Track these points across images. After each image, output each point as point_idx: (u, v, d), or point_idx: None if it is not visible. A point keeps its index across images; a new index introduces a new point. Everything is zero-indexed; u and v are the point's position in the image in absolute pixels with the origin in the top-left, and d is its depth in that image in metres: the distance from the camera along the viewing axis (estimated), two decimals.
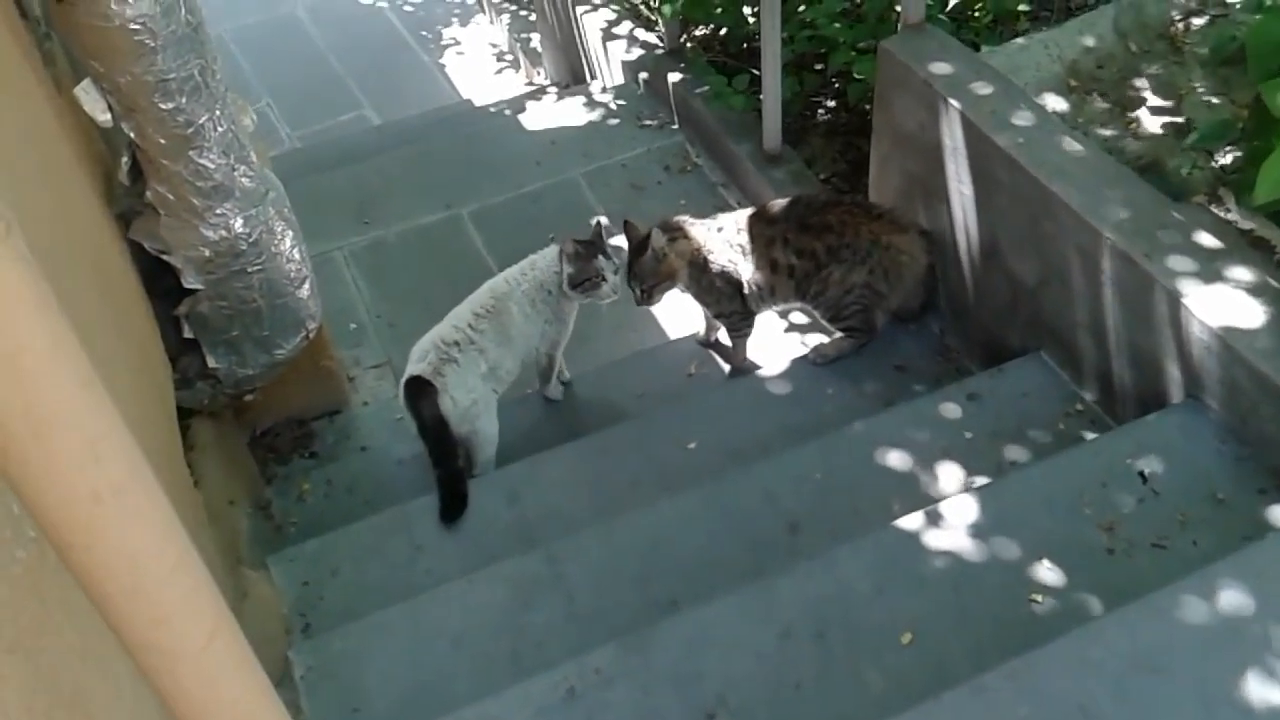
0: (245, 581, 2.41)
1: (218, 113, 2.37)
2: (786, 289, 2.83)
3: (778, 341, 3.18)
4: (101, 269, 2.23)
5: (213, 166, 2.41)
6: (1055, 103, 2.81)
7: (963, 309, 2.83)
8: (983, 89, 2.57)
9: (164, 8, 2.16)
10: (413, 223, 3.97)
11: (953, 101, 2.56)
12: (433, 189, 4.10)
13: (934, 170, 2.71)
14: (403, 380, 2.71)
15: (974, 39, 3.48)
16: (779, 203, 2.86)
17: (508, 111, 4.77)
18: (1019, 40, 3.00)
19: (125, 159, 2.55)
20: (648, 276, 2.81)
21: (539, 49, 5.70)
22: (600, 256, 2.76)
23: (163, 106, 2.28)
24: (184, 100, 2.29)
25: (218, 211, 2.48)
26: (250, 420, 3.16)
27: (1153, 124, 2.75)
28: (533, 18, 5.86)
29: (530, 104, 4.75)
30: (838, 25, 3.61)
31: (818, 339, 3.07)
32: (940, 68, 2.63)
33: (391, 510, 2.62)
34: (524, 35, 5.88)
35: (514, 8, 6.15)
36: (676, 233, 2.85)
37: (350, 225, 3.98)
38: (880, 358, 2.87)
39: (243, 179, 2.49)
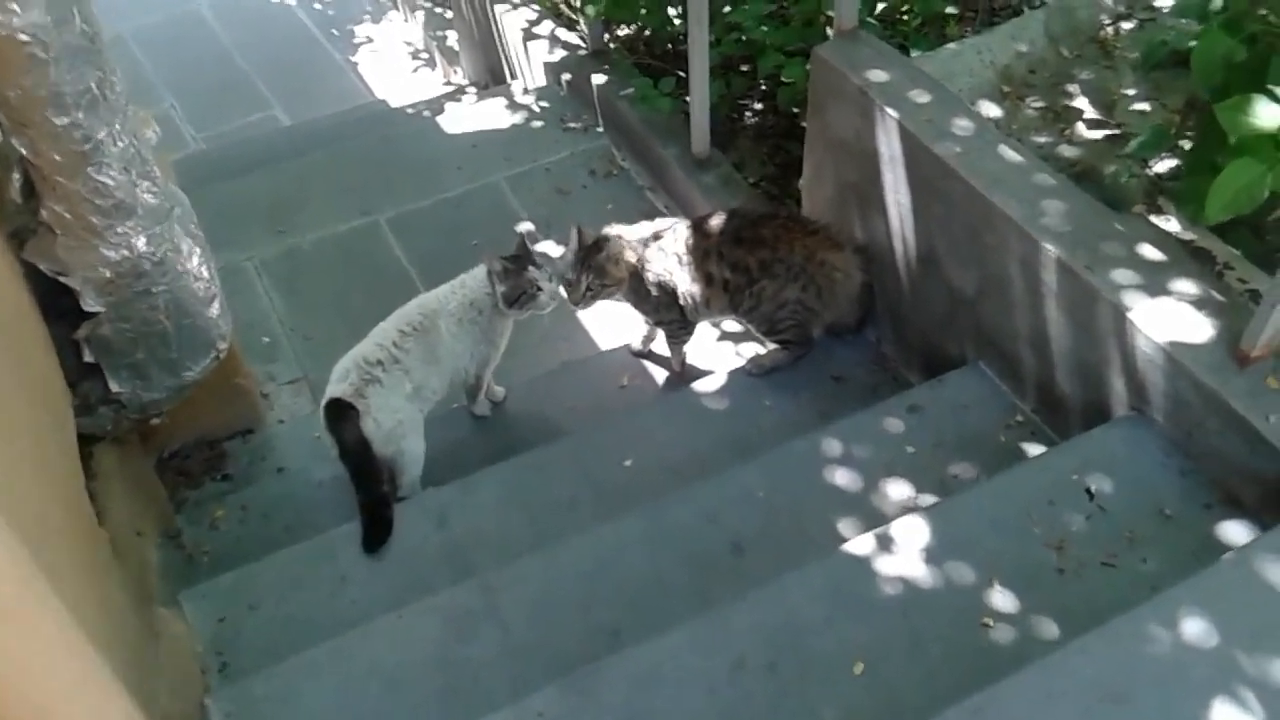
0: (156, 620, 2.27)
1: (117, 127, 2.22)
2: (720, 302, 2.76)
3: (712, 351, 3.11)
4: None
5: (113, 184, 2.25)
6: (989, 109, 2.78)
7: (900, 318, 2.79)
8: (919, 97, 2.53)
9: (56, 18, 2.01)
10: (328, 230, 3.82)
11: (889, 110, 2.51)
12: (349, 194, 3.95)
13: (870, 179, 2.66)
14: (323, 402, 2.57)
15: (902, 42, 3.45)
16: (719, 215, 2.78)
17: (426, 113, 4.63)
18: (951, 46, 2.97)
19: (17, 175, 2.38)
20: (598, 276, 2.73)
21: (456, 47, 5.56)
22: (530, 267, 2.66)
23: (57, 122, 2.12)
24: (80, 115, 2.13)
25: (119, 230, 2.32)
26: (158, 443, 3.00)
27: (1086, 130, 2.73)
28: (449, 15, 5.71)
29: (449, 105, 4.62)
30: (764, 28, 3.55)
31: (753, 349, 3.01)
32: (876, 75, 2.58)
33: (313, 539, 2.49)
34: (440, 33, 5.73)
35: (429, 5, 5.99)
36: (621, 240, 2.78)
37: (262, 234, 3.81)
38: (817, 368, 2.82)
39: (145, 195, 2.34)
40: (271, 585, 2.38)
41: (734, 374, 2.82)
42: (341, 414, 2.50)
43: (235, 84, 5.89)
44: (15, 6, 1.95)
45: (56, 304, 2.46)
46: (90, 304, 2.40)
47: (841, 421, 2.47)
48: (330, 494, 2.76)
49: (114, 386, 2.55)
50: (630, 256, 2.79)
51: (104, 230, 2.31)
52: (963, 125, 2.48)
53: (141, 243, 2.37)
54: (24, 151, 2.18)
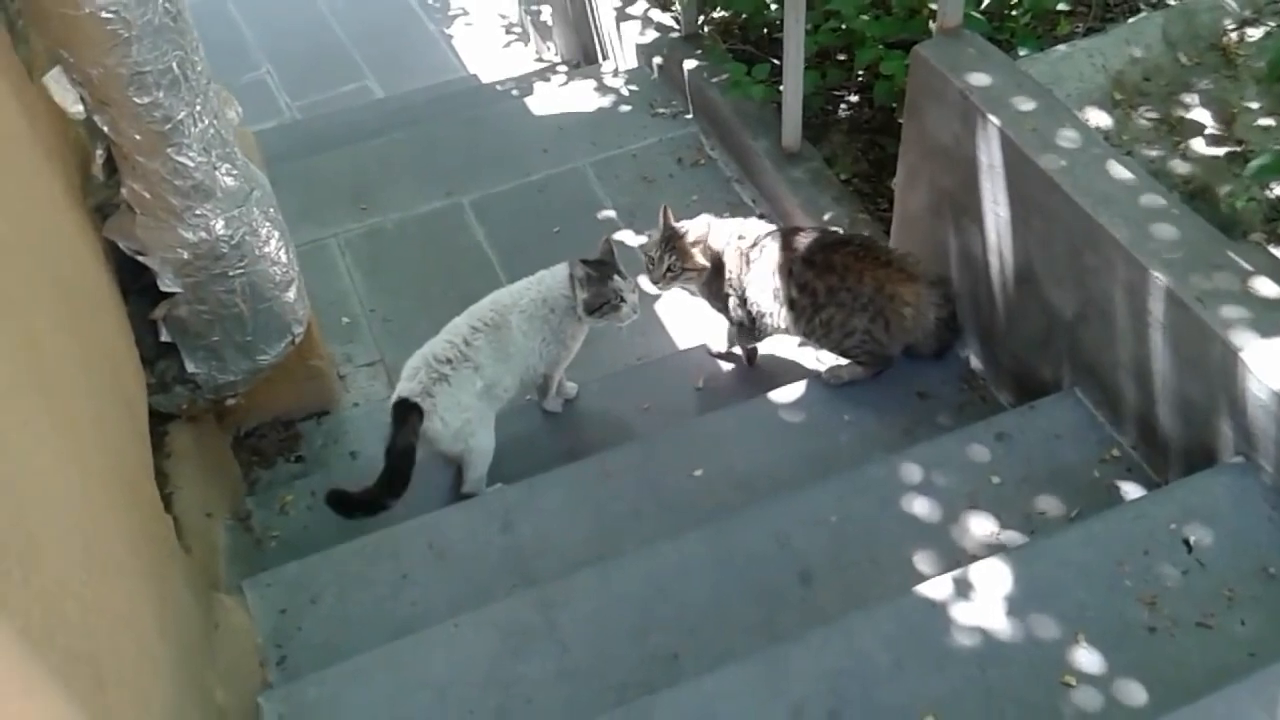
0: (218, 609, 2.26)
1: (198, 108, 2.20)
2: (785, 319, 2.68)
3: (793, 352, 3.01)
4: (63, 275, 2.05)
5: (192, 165, 2.24)
6: (1099, 118, 2.62)
7: (992, 336, 2.65)
8: (1024, 104, 2.38)
9: None
10: (412, 211, 3.79)
11: (991, 117, 2.37)
12: (434, 175, 3.91)
13: (967, 187, 2.53)
14: (391, 400, 2.55)
15: (1009, 39, 3.28)
16: (809, 231, 2.70)
17: (515, 92, 4.57)
18: (1061, 48, 2.80)
19: (100, 152, 2.38)
20: (680, 259, 2.71)
21: (549, 23, 5.49)
22: (616, 276, 2.60)
23: (138, 101, 2.11)
24: (161, 94, 2.12)
25: (197, 212, 2.31)
26: (233, 421, 3.00)
27: (1202, 145, 2.56)
28: None
29: (538, 85, 4.55)
30: (865, 18, 3.41)
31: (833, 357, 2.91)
32: (979, 79, 2.44)
33: (377, 534, 2.46)
34: (534, 8, 5.65)
35: None
36: (710, 230, 2.76)
37: (346, 211, 3.80)
38: (901, 383, 2.70)
39: (225, 178, 2.32)
40: (333, 579, 2.36)
41: (812, 383, 2.72)
42: (405, 415, 2.48)
43: (331, 52, 5.89)
44: None
45: (137, 281, 2.47)
46: (167, 284, 2.40)
47: (923, 445, 2.36)
48: None
49: (190, 367, 2.56)
50: (716, 246, 2.74)
51: (182, 211, 2.31)
52: (1069, 136, 2.33)
53: (220, 225, 2.36)
54: (105, 129, 2.18)
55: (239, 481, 2.91)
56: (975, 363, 2.75)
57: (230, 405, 2.80)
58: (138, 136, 2.17)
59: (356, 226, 3.74)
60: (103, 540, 1.67)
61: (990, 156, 2.43)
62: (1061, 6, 3.40)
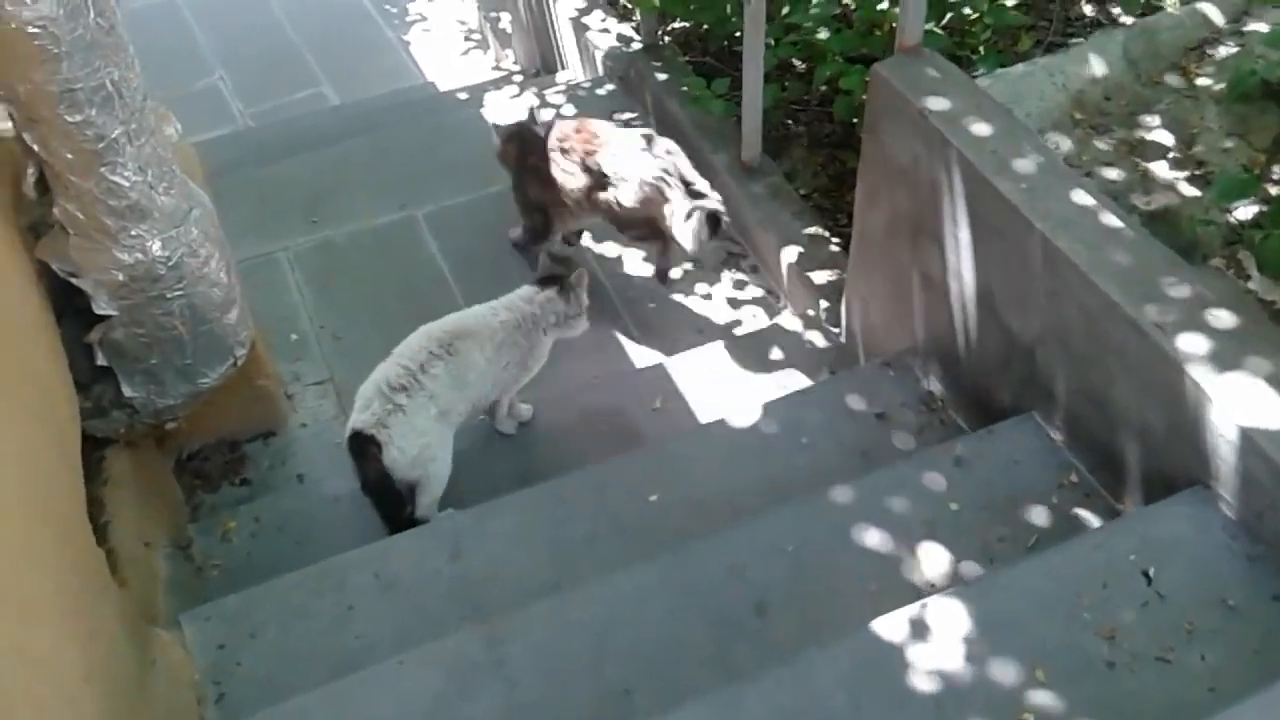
0: (154, 644, 2.18)
1: (134, 125, 2.12)
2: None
3: (751, 383, 2.97)
4: None
5: (127, 184, 2.16)
6: (1058, 139, 2.60)
7: (950, 358, 2.62)
8: (984, 125, 2.35)
9: (68, 10, 1.91)
10: (364, 224, 3.71)
11: (951, 138, 2.33)
12: (388, 186, 3.84)
13: (926, 209, 2.49)
14: (346, 432, 2.49)
15: (970, 55, 3.26)
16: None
17: (472, 101, 4.50)
18: (1021, 66, 2.78)
19: (31, 170, 2.29)
20: None
21: (508, 30, 5.42)
22: (570, 282, 2.70)
23: (69, 119, 2.03)
24: (93, 112, 2.04)
25: (133, 233, 2.23)
26: (175, 444, 2.91)
27: (1162, 167, 2.54)
28: None
29: (496, 94, 4.48)
30: (824, 32, 3.37)
31: (794, 376, 2.88)
32: (938, 101, 2.40)
33: (322, 564, 2.38)
34: (494, 15, 5.58)
35: None
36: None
37: (297, 223, 3.72)
38: (860, 405, 2.66)
39: (162, 197, 2.24)
40: (275, 612, 2.28)
41: (769, 405, 2.68)
42: (363, 448, 2.42)
43: (285, 58, 5.79)
44: None
45: (71, 303, 2.38)
46: (102, 307, 2.31)
47: (881, 471, 2.32)
48: (346, 510, 2.67)
49: (127, 391, 2.47)
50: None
51: (117, 232, 2.23)
52: (1029, 159, 2.30)
53: (156, 246, 2.28)
54: (35, 147, 2.10)
55: (181, 507, 2.82)
56: (934, 385, 2.71)
57: (171, 429, 2.71)
58: (69, 155, 2.09)
59: (307, 240, 3.66)
60: (23, 582, 1.59)
61: (949, 178, 2.39)
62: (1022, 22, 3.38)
